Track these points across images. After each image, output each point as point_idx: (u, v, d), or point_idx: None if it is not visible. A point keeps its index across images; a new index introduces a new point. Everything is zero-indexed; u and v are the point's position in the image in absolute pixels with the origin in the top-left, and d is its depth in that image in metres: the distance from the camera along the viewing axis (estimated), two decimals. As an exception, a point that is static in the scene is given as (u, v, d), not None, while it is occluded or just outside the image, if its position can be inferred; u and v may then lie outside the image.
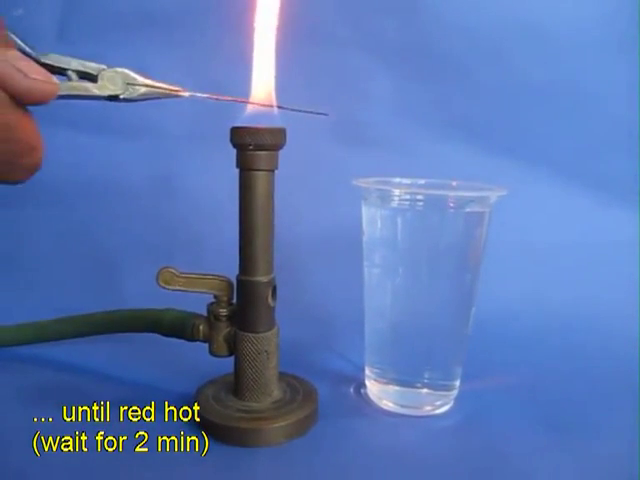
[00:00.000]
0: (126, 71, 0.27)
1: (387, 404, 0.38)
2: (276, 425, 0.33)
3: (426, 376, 0.37)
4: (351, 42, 0.60)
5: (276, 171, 0.33)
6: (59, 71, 0.25)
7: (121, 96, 0.27)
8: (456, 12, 0.59)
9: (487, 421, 0.36)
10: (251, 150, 0.32)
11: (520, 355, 0.47)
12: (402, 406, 0.37)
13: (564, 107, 0.61)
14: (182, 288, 0.35)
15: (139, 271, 0.54)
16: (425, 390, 0.37)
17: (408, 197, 0.35)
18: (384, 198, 0.36)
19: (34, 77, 0.22)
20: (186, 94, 0.29)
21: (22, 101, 0.22)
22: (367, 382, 0.39)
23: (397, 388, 0.37)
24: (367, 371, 0.39)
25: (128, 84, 0.27)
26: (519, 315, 0.53)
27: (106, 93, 0.26)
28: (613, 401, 0.39)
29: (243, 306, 0.34)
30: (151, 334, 0.38)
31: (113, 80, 0.26)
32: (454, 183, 0.39)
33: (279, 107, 0.32)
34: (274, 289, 0.35)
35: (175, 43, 0.60)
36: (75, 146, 0.60)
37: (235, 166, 0.33)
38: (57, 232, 0.57)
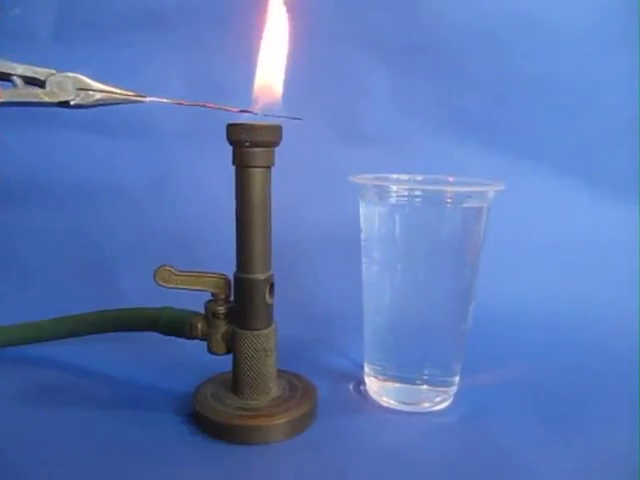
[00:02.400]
0: (78, 76, 0.26)
1: (386, 401, 0.38)
2: (275, 423, 0.33)
3: (425, 372, 0.37)
4: (348, 38, 0.60)
5: (273, 168, 0.33)
6: (3, 77, 0.24)
7: (72, 102, 0.25)
8: (454, 6, 0.59)
9: (486, 417, 0.36)
10: (247, 147, 0.32)
11: (519, 351, 0.47)
12: (401, 403, 0.37)
13: (563, 102, 0.61)
14: (180, 286, 0.35)
15: (137, 270, 0.54)
16: (424, 386, 0.37)
17: (406, 193, 0.35)
18: (381, 195, 0.36)
19: None
20: (147, 100, 0.28)
21: None
22: (366, 379, 0.39)
23: (396, 385, 0.37)
24: (366, 368, 0.39)
25: (80, 89, 0.25)
26: (518, 311, 0.53)
27: (55, 100, 0.25)
28: (612, 397, 0.39)
29: (241, 304, 0.34)
30: (149, 333, 0.38)
31: (62, 85, 0.25)
32: (451, 179, 0.39)
33: (246, 111, 0.31)
34: (272, 286, 0.35)
35: (173, 43, 0.60)
36: (72, 146, 0.60)
37: (232, 163, 0.33)
38: (54, 232, 0.57)
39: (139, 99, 0.27)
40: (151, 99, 0.28)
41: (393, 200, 0.35)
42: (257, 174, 0.32)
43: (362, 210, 0.38)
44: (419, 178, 0.40)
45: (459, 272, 0.36)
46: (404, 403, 0.37)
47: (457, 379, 0.38)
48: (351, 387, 0.40)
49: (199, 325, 0.36)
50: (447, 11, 0.59)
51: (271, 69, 0.32)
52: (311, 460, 0.32)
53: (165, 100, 0.29)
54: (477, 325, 0.38)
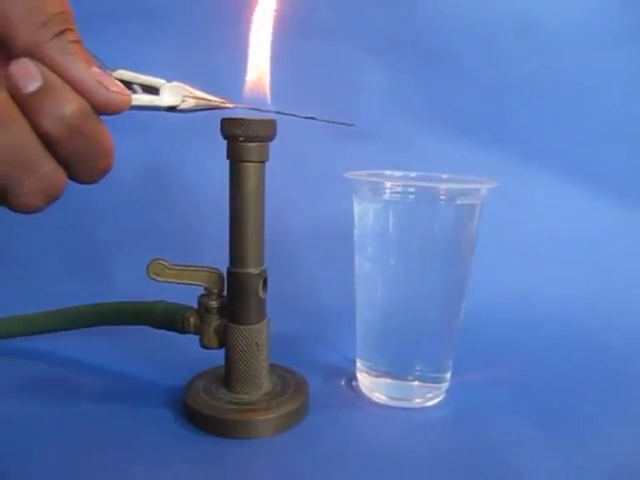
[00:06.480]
0: (182, 85, 0.29)
1: (378, 396, 0.38)
2: (267, 417, 0.33)
3: (417, 369, 0.37)
4: (344, 35, 0.59)
5: (267, 163, 0.33)
6: (126, 85, 0.27)
7: (178, 107, 0.29)
8: (450, 5, 0.59)
9: (477, 413, 0.36)
10: (241, 141, 0.32)
11: (511, 348, 0.47)
12: (393, 398, 0.37)
13: (558, 100, 0.61)
14: (173, 280, 0.35)
15: (130, 263, 0.54)
16: (416, 383, 0.37)
17: (399, 190, 0.35)
18: (375, 191, 0.36)
19: (114, 90, 0.25)
20: (230, 106, 0.31)
21: (101, 111, 0.25)
22: (358, 374, 0.39)
23: (388, 380, 0.37)
24: (358, 364, 0.39)
25: (184, 96, 0.29)
26: (510, 308, 0.53)
27: (166, 104, 0.28)
28: (603, 394, 0.40)
29: (234, 298, 0.34)
30: (142, 327, 0.38)
31: (172, 93, 0.28)
32: (445, 176, 0.39)
33: (308, 117, 0.33)
34: (265, 281, 0.35)
35: (168, 36, 0.60)
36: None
37: (226, 157, 0.33)
38: (48, 225, 0.57)
39: (225, 105, 0.30)
40: (234, 105, 0.31)
41: (387, 196, 0.35)
42: (251, 169, 0.32)
43: (356, 206, 0.38)
44: (413, 175, 0.40)
45: (452, 269, 0.36)
46: (396, 399, 0.37)
47: (449, 375, 0.38)
48: (343, 382, 0.40)
49: (192, 319, 0.36)
50: (445, 10, 0.59)
51: (259, 63, 0.32)
52: (302, 455, 0.32)
53: (246, 107, 0.31)
54: (470, 322, 0.38)
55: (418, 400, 0.37)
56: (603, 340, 0.49)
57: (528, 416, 0.36)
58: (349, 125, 0.33)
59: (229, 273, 0.34)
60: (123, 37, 0.58)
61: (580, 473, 0.31)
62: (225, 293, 0.35)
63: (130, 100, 0.26)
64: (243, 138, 0.32)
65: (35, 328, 0.43)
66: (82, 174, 0.26)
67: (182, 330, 0.36)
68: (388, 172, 0.40)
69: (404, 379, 0.37)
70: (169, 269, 0.35)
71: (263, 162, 0.33)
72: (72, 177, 0.26)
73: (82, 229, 0.59)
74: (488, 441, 0.33)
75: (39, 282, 0.55)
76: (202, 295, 0.36)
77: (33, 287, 0.54)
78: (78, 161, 0.25)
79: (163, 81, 0.28)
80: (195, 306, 0.36)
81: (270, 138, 0.33)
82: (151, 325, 0.38)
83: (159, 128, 0.60)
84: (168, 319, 0.37)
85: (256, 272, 0.34)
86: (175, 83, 0.29)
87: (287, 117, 0.32)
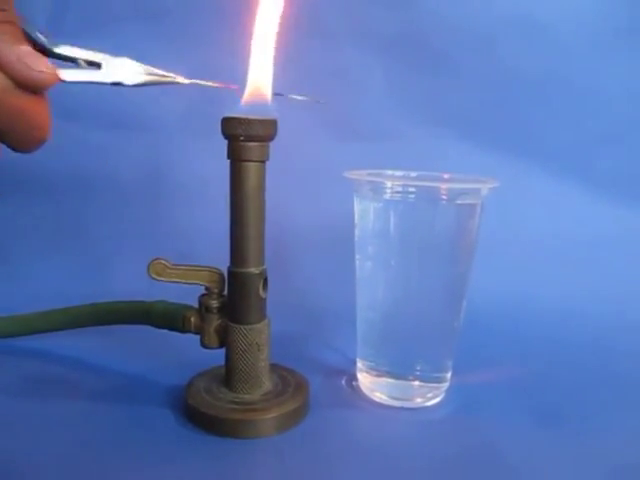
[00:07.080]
0: (129, 60, 0.29)
1: (379, 396, 0.38)
2: (267, 417, 0.33)
3: (417, 368, 0.37)
4: (344, 34, 0.59)
5: (268, 162, 0.33)
6: (70, 60, 0.28)
7: (124, 83, 0.29)
8: (450, 4, 0.59)
9: (477, 413, 0.36)
10: (242, 141, 0.32)
11: (511, 348, 0.47)
12: (393, 398, 0.37)
13: (558, 100, 0.61)
14: (174, 280, 0.35)
15: (130, 263, 0.54)
16: (416, 382, 0.37)
17: (400, 189, 0.35)
18: (376, 190, 0.36)
19: (39, 70, 0.26)
20: (185, 81, 0.31)
21: (25, 88, 0.26)
22: (359, 374, 0.39)
23: (389, 380, 0.37)
24: (359, 363, 0.39)
25: (131, 72, 0.29)
26: (510, 308, 0.53)
27: (110, 80, 0.29)
28: (603, 394, 0.40)
29: (234, 298, 0.34)
30: (143, 326, 0.38)
31: (117, 68, 0.29)
32: (446, 175, 0.39)
33: (276, 94, 0.33)
34: (265, 281, 0.35)
35: (169, 34, 0.60)
36: (66, 137, 0.59)
37: (226, 157, 0.33)
38: (47, 223, 0.57)
39: (177, 80, 0.30)
40: (190, 81, 0.31)
41: (387, 196, 0.35)
42: (252, 168, 0.32)
43: (356, 206, 0.38)
44: (413, 174, 0.40)
45: (452, 268, 0.36)
46: (396, 399, 0.37)
47: (449, 375, 0.38)
48: (343, 382, 0.40)
49: (192, 319, 0.36)
50: (444, 9, 0.59)
51: (261, 65, 0.32)
52: (303, 454, 0.32)
53: (202, 82, 0.31)
54: (470, 322, 0.38)
55: (418, 400, 0.37)
56: (603, 340, 0.49)
57: (528, 416, 0.36)
58: (321, 103, 0.34)
59: (229, 273, 0.34)
60: (123, 35, 0.58)
61: (580, 473, 0.31)
62: (225, 293, 0.35)
63: (55, 78, 0.27)
64: (243, 138, 0.32)
65: (34, 328, 0.43)
66: (14, 143, 0.27)
67: (182, 330, 0.36)
68: (389, 172, 0.40)
69: (404, 379, 0.37)
70: (170, 269, 0.35)
71: (263, 162, 0.33)
72: (8, 146, 0.27)
73: (82, 229, 0.58)
74: (488, 441, 0.33)
75: (39, 282, 0.55)
76: (203, 295, 0.36)
77: (33, 287, 0.54)
78: (6, 132, 0.26)
79: (107, 56, 0.29)
80: (195, 306, 0.36)
81: (271, 138, 0.33)
82: (151, 325, 0.38)
83: (159, 128, 0.60)
84: (168, 319, 0.37)
85: (257, 272, 0.34)
86: (121, 58, 0.29)
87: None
